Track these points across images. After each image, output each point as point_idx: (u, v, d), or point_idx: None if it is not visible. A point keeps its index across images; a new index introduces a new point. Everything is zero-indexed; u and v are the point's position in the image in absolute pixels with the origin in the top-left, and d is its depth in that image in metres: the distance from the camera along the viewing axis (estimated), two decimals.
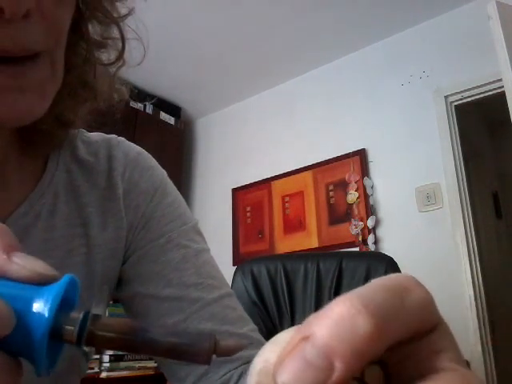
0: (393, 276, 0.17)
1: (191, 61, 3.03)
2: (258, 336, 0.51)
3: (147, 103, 3.32)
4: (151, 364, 2.47)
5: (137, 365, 2.44)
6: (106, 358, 2.35)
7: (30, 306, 0.19)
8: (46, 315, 0.19)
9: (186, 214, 0.54)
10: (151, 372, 2.46)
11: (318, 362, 0.15)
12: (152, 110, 3.36)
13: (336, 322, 0.15)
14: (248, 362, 0.47)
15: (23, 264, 0.20)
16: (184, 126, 3.62)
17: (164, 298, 0.48)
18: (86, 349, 0.20)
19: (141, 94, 3.25)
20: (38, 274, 0.20)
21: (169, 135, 3.42)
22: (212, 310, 0.48)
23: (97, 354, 2.35)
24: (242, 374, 0.47)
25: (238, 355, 0.48)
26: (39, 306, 0.19)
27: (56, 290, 0.20)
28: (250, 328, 0.50)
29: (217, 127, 3.62)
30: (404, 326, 0.16)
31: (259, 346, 0.20)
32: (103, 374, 2.31)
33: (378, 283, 0.16)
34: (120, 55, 0.47)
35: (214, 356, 0.20)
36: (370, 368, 0.17)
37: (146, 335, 0.20)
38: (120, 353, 2.39)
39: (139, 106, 3.26)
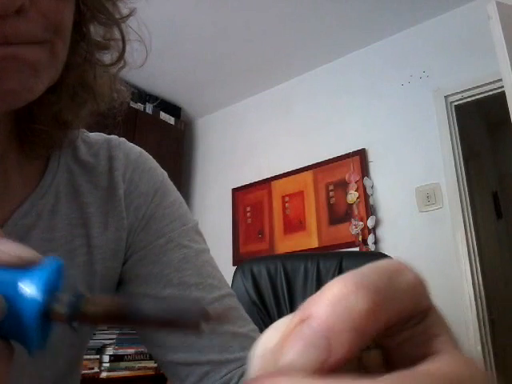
0: (384, 260, 0.18)
1: (191, 61, 3.03)
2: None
3: (147, 103, 3.32)
4: (151, 364, 2.47)
5: (137, 365, 2.44)
6: (105, 358, 2.35)
7: (19, 289, 0.20)
8: (37, 298, 0.19)
9: (187, 215, 0.54)
10: (151, 372, 2.46)
11: (318, 341, 0.15)
12: (152, 110, 3.36)
13: (332, 302, 0.15)
14: None
15: (6, 250, 0.20)
16: (184, 126, 3.62)
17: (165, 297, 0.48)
18: (75, 325, 0.20)
19: (141, 94, 3.25)
20: (22, 258, 0.20)
21: (169, 135, 3.41)
22: None
23: (97, 354, 2.35)
24: (243, 375, 0.47)
25: (238, 356, 0.49)
26: (28, 289, 0.19)
27: (44, 272, 0.20)
28: (251, 328, 0.50)
29: (217, 127, 3.62)
30: (399, 304, 0.16)
31: None
32: (103, 374, 2.31)
33: (370, 266, 0.17)
34: (120, 56, 0.47)
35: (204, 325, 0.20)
36: (369, 352, 0.17)
37: (136, 309, 0.20)
38: (120, 353, 2.39)
39: (139, 106, 3.25)
